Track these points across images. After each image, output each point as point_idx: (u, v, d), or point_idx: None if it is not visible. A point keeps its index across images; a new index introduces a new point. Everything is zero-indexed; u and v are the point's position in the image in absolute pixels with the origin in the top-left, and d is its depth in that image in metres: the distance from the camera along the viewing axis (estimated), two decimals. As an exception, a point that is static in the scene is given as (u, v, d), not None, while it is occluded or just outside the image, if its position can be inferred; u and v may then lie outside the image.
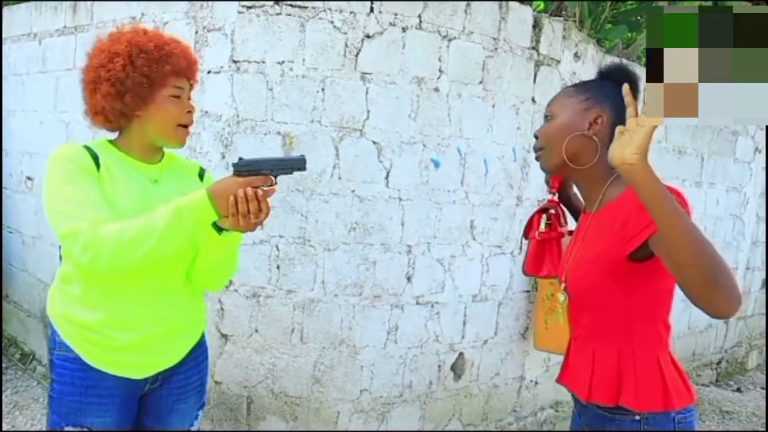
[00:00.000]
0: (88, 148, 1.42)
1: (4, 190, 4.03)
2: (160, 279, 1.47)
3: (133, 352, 1.46)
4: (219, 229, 1.41)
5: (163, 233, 1.31)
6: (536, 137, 1.41)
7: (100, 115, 1.46)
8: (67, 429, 1.44)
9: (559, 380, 1.47)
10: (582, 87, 1.39)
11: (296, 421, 2.71)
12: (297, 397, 2.71)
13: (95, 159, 1.40)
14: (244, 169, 1.34)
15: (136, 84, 1.41)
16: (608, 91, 1.35)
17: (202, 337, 1.64)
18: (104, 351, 1.44)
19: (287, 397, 2.71)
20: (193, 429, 1.64)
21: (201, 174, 1.64)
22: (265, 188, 1.34)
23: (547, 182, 1.64)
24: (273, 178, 1.35)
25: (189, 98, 1.50)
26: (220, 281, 1.61)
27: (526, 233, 1.72)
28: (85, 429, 1.44)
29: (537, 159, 1.41)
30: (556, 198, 1.66)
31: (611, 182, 1.33)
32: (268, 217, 1.36)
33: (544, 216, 1.67)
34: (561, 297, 1.40)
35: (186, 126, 1.48)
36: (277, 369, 2.70)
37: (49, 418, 1.48)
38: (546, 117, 1.40)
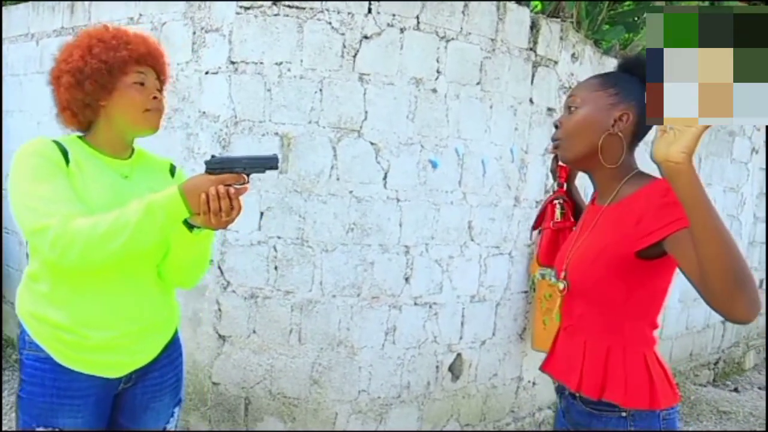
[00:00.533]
0: (56, 142, 1.40)
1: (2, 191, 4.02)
2: (131, 276, 1.45)
3: (106, 351, 1.44)
4: (190, 227, 1.41)
5: (135, 229, 1.29)
6: (556, 126, 1.39)
7: (66, 110, 1.46)
8: (38, 430, 1.41)
9: (543, 368, 1.48)
10: (609, 80, 1.36)
11: (294, 422, 2.71)
12: (295, 397, 2.71)
13: (64, 154, 1.38)
14: (216, 166, 1.33)
15: (95, 70, 1.40)
16: (635, 87, 1.32)
17: (175, 334, 1.63)
18: (76, 350, 1.42)
19: (285, 397, 2.71)
20: (169, 427, 1.63)
21: (172, 170, 1.63)
22: (237, 186, 1.33)
23: (553, 172, 1.63)
24: (246, 176, 1.35)
25: (157, 88, 1.49)
26: (191, 279, 1.60)
27: (537, 224, 1.72)
28: (57, 430, 1.42)
29: (555, 148, 1.39)
30: (564, 188, 1.66)
31: (629, 178, 1.32)
32: (240, 214, 1.35)
33: (558, 205, 1.66)
34: (561, 285, 1.40)
35: (154, 111, 1.47)
36: (275, 370, 2.70)
37: (19, 418, 1.45)
38: (569, 108, 1.37)
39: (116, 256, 1.32)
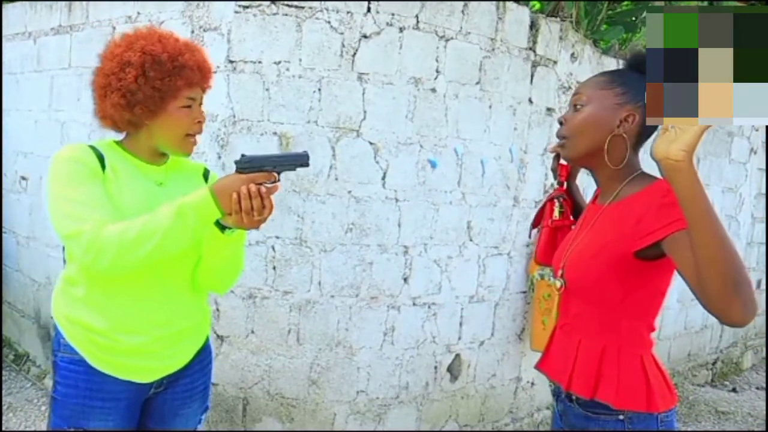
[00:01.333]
0: (93, 148, 1.41)
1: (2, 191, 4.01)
2: (165, 281, 1.46)
3: (139, 356, 1.45)
4: (222, 228, 1.40)
5: (167, 232, 1.30)
6: (560, 123, 1.37)
7: (108, 119, 1.45)
8: (68, 431, 1.42)
9: (538, 366, 1.47)
10: (617, 79, 1.33)
11: (292, 423, 2.70)
12: (293, 398, 2.70)
13: (101, 159, 1.39)
14: (246, 165, 1.33)
15: (147, 97, 1.39)
16: (643, 86, 1.31)
17: (207, 340, 1.63)
18: (109, 354, 1.43)
19: (283, 398, 2.70)
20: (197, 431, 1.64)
21: (206, 175, 1.63)
22: (268, 185, 1.33)
23: (553, 171, 1.63)
24: (276, 174, 1.35)
25: (201, 105, 1.49)
26: (225, 283, 1.60)
27: (537, 222, 1.71)
28: (87, 431, 1.43)
29: (560, 146, 1.38)
30: (564, 187, 1.65)
31: (631, 179, 1.31)
32: (272, 213, 1.35)
33: (557, 203, 1.66)
34: (558, 283, 1.39)
35: (194, 135, 1.47)
36: (274, 370, 2.69)
37: (50, 420, 1.46)
38: (575, 106, 1.35)
39: (148, 261, 1.32)
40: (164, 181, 1.50)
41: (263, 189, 1.32)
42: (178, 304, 1.50)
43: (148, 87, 1.38)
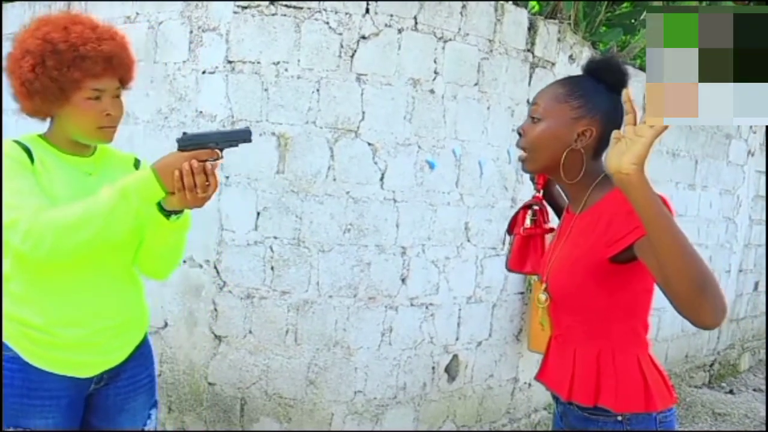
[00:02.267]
0: (18, 142, 1.38)
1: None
2: (103, 271, 1.43)
3: (78, 350, 1.42)
4: (168, 214, 1.37)
5: (110, 213, 1.27)
6: (519, 134, 1.37)
7: (20, 106, 1.42)
8: (9, 430, 1.38)
9: (538, 378, 1.47)
10: (574, 90, 1.31)
11: (290, 423, 2.71)
12: (291, 398, 2.70)
13: (28, 153, 1.37)
14: (188, 143, 1.32)
15: (44, 87, 1.34)
16: (601, 97, 1.29)
17: (146, 336, 1.61)
18: (47, 349, 1.39)
19: (281, 398, 2.70)
20: (147, 429, 1.60)
21: (136, 165, 1.59)
22: (211, 162, 1.31)
23: (532, 179, 1.64)
24: (219, 151, 1.33)
25: (117, 97, 1.43)
26: (167, 269, 1.57)
27: (510, 229, 1.72)
28: (28, 430, 1.39)
29: (519, 159, 1.38)
30: (540, 195, 1.66)
31: (596, 184, 1.31)
32: (217, 189, 1.32)
33: (529, 212, 1.67)
34: (542, 297, 1.39)
35: (108, 127, 1.42)
36: (271, 370, 2.69)
37: None
38: (532, 117, 1.33)
39: (90, 245, 1.29)
40: (93, 171, 1.47)
41: (207, 166, 1.30)
42: (117, 295, 1.47)
43: (45, 77, 1.33)
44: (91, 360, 1.45)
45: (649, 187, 1.04)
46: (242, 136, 1.35)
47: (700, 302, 1.03)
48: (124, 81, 1.46)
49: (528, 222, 1.65)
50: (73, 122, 1.40)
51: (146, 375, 1.59)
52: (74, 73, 1.34)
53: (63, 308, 1.40)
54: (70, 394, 1.44)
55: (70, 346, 1.41)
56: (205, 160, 1.30)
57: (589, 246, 1.26)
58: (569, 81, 1.35)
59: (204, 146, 1.32)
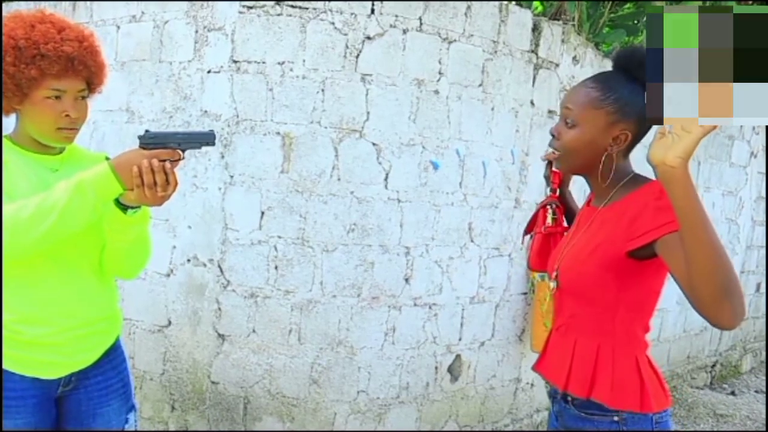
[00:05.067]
0: None
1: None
2: (68, 269, 1.42)
3: (42, 349, 1.40)
4: (125, 209, 1.36)
5: (65, 208, 1.25)
6: (553, 136, 1.36)
7: None
8: None
9: (535, 368, 1.48)
10: (608, 94, 1.29)
11: (293, 422, 2.71)
12: (294, 397, 2.71)
13: None
14: (150, 141, 1.30)
15: (1, 83, 1.34)
16: (635, 98, 1.27)
17: (117, 340, 1.59)
18: (9, 347, 1.36)
19: (284, 397, 2.71)
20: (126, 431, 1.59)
21: None
22: (171, 161, 1.30)
23: (546, 178, 1.64)
24: (180, 152, 1.32)
25: (81, 99, 1.41)
26: (132, 267, 1.56)
27: (530, 229, 1.72)
28: None
29: (555, 159, 1.38)
30: (557, 194, 1.67)
31: (624, 182, 1.32)
32: (177, 189, 1.31)
33: (549, 210, 1.67)
34: (552, 284, 1.40)
35: (67, 129, 1.39)
36: (275, 369, 2.70)
37: None
38: (566, 120, 1.32)
39: (46, 241, 1.27)
40: (59, 168, 1.45)
41: (168, 165, 1.29)
42: (84, 296, 1.45)
43: (3, 73, 1.33)
44: (56, 360, 1.42)
45: (691, 182, 1.04)
46: (206, 139, 1.33)
47: (722, 304, 1.04)
48: (91, 84, 1.44)
49: (549, 220, 1.66)
50: (31, 121, 1.38)
51: (118, 380, 1.56)
52: (32, 70, 1.33)
53: (26, 305, 1.38)
54: (37, 395, 1.41)
55: (34, 345, 1.39)
56: (166, 160, 1.29)
57: (609, 238, 1.27)
58: (602, 82, 1.32)
59: (165, 146, 1.30)
